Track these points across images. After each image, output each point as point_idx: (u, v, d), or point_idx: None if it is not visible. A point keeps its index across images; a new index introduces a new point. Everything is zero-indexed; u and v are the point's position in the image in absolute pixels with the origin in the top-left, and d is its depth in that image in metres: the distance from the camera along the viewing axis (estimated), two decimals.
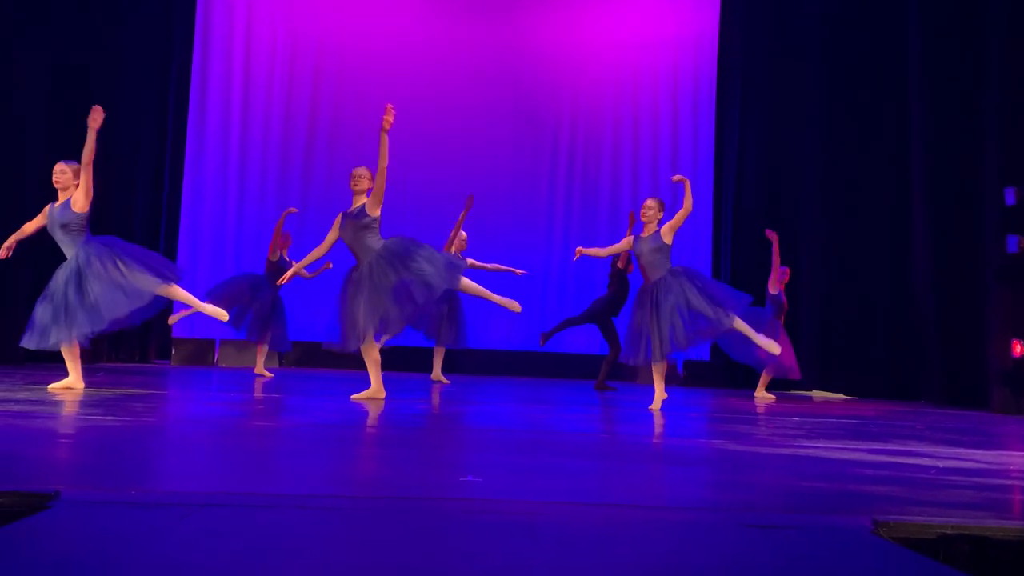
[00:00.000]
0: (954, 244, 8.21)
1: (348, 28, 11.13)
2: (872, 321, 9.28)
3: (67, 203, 5.45)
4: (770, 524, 2.19)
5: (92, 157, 5.46)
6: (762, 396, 8.33)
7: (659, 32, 11.32)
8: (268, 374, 8.39)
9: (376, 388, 5.79)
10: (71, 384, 5.42)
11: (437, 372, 8.52)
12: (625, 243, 6.40)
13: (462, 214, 8.22)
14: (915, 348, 8.75)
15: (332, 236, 5.87)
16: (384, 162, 5.61)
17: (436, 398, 6.61)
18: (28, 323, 5.43)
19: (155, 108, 10.40)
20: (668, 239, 6.09)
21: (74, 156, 8.29)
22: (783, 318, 8.58)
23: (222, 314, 5.88)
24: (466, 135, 11.04)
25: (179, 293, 5.65)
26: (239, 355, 10.38)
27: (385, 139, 5.61)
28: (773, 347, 6.42)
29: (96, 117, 5.47)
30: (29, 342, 5.40)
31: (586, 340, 10.39)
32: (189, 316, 8.52)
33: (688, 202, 6.11)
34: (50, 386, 5.39)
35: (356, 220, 5.69)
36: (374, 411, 5.08)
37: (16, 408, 4.21)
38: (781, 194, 10.35)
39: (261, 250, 9.83)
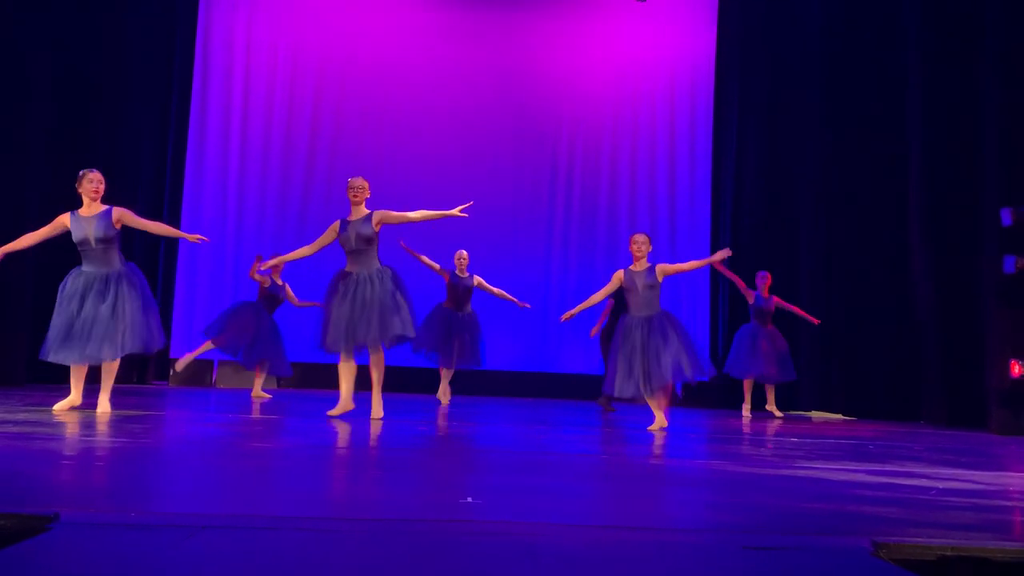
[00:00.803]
0: (953, 264, 8.23)
1: (348, 49, 11.18)
2: (871, 342, 9.28)
3: (107, 216, 5.45)
4: (770, 546, 2.19)
5: (156, 232, 5.88)
6: (772, 410, 8.49)
7: (656, 52, 11.39)
8: (266, 395, 8.37)
9: (345, 400, 5.85)
10: (73, 401, 5.42)
11: (444, 390, 8.50)
12: (616, 279, 6.29)
13: (422, 259, 8.21)
14: (914, 368, 8.76)
15: (325, 240, 5.94)
16: (418, 219, 5.86)
17: (437, 419, 6.59)
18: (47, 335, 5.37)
19: (155, 125, 10.44)
20: (661, 278, 6.11)
21: (75, 171, 8.38)
22: (771, 321, 8.66)
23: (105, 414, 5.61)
24: (466, 154, 11.08)
25: (109, 376, 5.52)
26: (237, 376, 10.36)
27: (438, 216, 5.88)
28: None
29: (193, 239, 5.67)
30: (47, 354, 5.34)
31: (584, 360, 10.40)
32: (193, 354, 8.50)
33: (700, 265, 6.48)
34: (55, 407, 5.38)
35: (361, 231, 5.77)
36: (374, 431, 5.07)
37: (15, 429, 4.21)
38: (779, 213, 10.39)
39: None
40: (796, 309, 8.78)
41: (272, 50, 11.10)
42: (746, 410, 8.80)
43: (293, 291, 8.55)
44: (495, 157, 11.18)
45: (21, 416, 4.91)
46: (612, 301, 8.51)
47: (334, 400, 6.03)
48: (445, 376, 8.48)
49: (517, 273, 10.75)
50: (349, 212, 5.93)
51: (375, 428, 5.32)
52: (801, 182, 10.12)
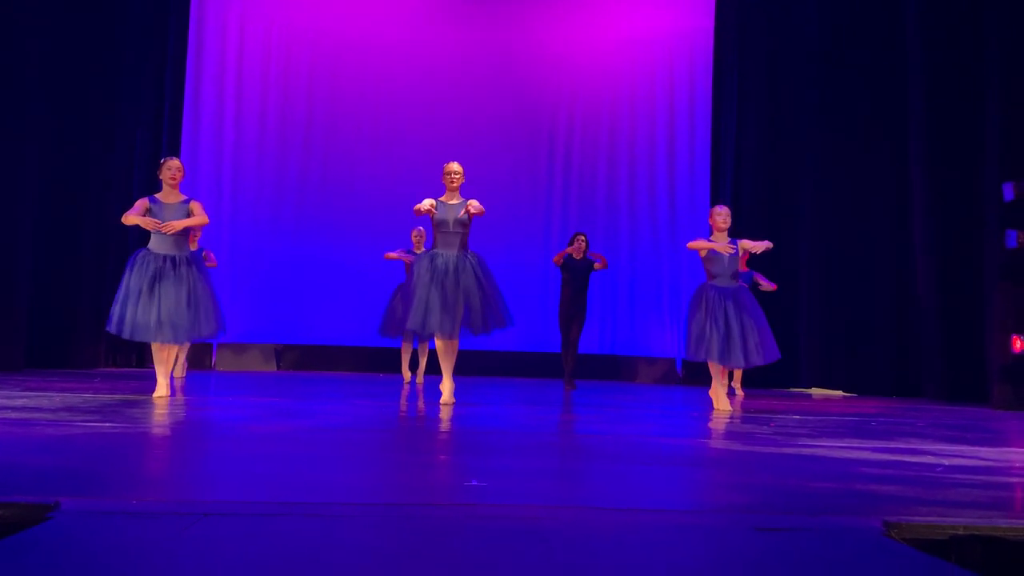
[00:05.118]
0: (955, 239, 8.20)
1: (343, 30, 11.09)
2: (871, 317, 9.26)
3: (185, 205, 5.62)
4: (781, 527, 2.17)
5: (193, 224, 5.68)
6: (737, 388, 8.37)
7: (654, 28, 11.29)
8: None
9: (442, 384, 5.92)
10: (162, 391, 5.57)
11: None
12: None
13: None
14: (915, 344, 8.74)
15: (424, 207, 5.77)
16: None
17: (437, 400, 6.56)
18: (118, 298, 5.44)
19: (151, 108, 10.35)
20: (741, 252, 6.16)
21: (74, 159, 8.42)
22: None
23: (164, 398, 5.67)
24: (464, 132, 11.01)
25: (172, 358, 5.77)
26: (236, 359, 10.34)
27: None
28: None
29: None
30: (136, 334, 5.43)
31: (587, 340, 10.37)
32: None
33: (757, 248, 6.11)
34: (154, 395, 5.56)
35: (459, 216, 5.83)
36: (375, 414, 5.05)
37: (13, 416, 4.17)
38: (780, 190, 10.32)
39: (256, 247, 9.82)
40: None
41: (266, 31, 11.00)
42: (737, 388, 8.52)
43: None
44: (493, 135, 11.11)
45: (20, 402, 4.88)
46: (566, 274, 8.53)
47: (337, 382, 6.00)
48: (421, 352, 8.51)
49: (515, 251, 10.70)
50: (443, 192, 5.96)
51: (445, 412, 5.34)
52: (802, 158, 10.05)
